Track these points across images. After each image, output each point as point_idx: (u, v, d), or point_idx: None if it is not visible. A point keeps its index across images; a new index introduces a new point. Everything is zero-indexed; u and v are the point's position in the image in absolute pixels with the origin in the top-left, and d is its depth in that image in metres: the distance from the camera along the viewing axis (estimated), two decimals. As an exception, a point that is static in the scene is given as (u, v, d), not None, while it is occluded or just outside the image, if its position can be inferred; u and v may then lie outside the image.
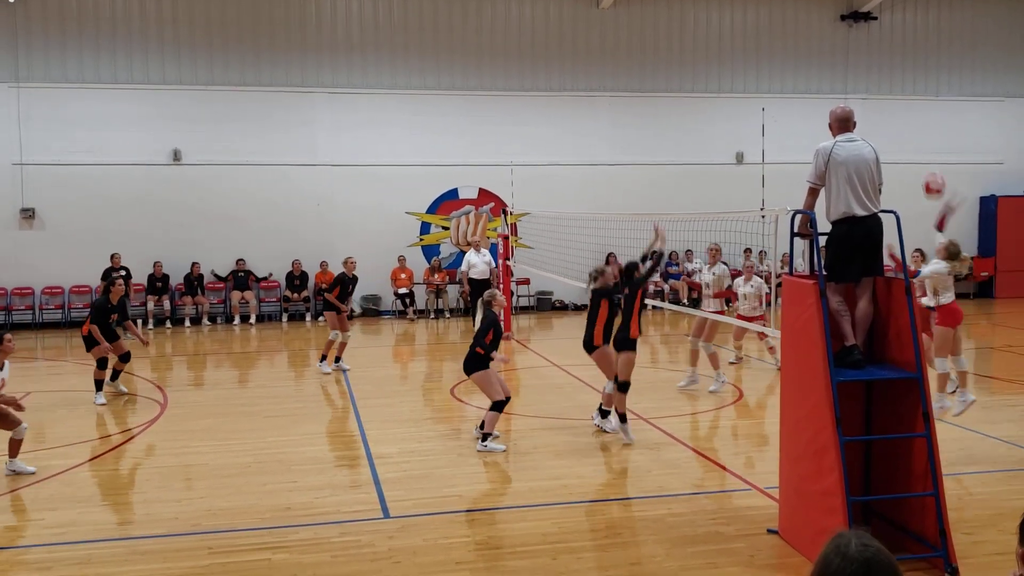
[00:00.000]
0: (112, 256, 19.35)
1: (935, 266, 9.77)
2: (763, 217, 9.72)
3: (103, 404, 12.25)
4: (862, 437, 6.95)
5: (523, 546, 6.87)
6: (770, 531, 7.06)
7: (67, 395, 12.85)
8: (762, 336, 14.36)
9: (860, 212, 6.68)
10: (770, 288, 9.18)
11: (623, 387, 9.84)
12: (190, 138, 20.71)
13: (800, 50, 23.72)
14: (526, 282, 22.33)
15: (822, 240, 6.83)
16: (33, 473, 8.86)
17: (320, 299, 21.00)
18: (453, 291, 22.14)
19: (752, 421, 10.91)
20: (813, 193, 6.92)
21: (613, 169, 22.71)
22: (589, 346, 10.24)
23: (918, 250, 10.74)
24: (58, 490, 8.45)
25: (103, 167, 20.29)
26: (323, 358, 14.51)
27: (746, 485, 8.37)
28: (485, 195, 22.38)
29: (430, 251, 22.27)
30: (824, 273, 6.64)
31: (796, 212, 7.04)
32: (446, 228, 22.38)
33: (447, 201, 22.28)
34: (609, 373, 10.05)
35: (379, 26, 21.60)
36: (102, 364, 12.47)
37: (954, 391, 10.13)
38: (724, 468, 8.94)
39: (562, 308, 22.72)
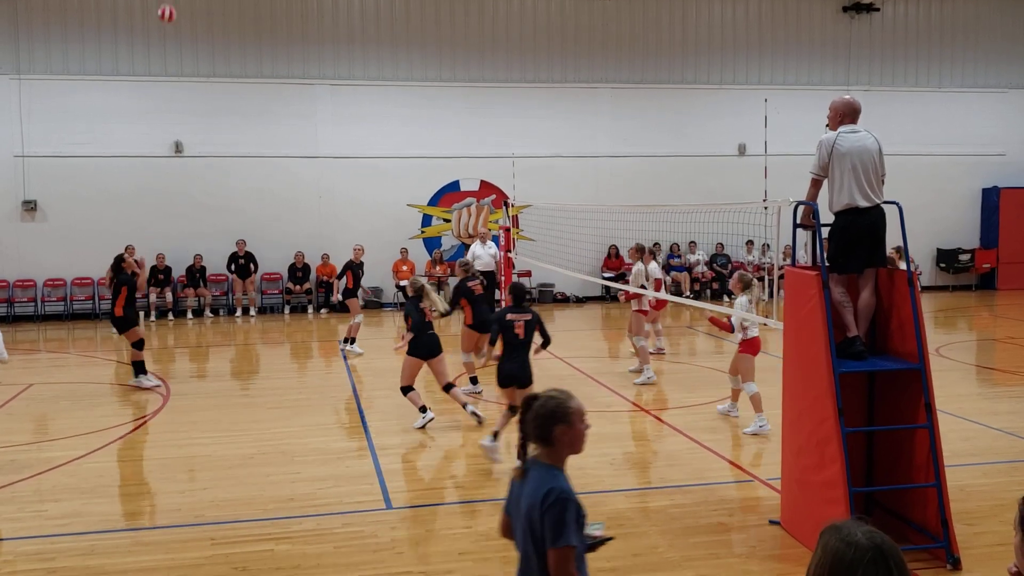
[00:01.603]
0: (127, 247, 19.24)
1: (740, 304, 10.04)
2: (766, 209, 9.71)
3: (158, 384, 12.49)
4: (864, 428, 6.95)
5: (525, 537, 6.87)
6: (772, 522, 7.07)
7: (70, 387, 12.86)
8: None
9: (863, 203, 6.66)
10: (773, 279, 9.16)
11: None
12: (192, 130, 20.68)
13: (803, 41, 23.67)
14: (528, 274, 22.31)
15: (825, 231, 6.82)
16: None
17: (322, 291, 21.04)
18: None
19: (753, 412, 10.89)
20: (816, 184, 6.90)
21: (615, 161, 22.69)
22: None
23: (896, 248, 10.74)
24: (61, 481, 8.47)
25: (105, 159, 20.27)
26: (350, 340, 15.45)
27: (748, 476, 8.39)
28: (487, 187, 22.37)
29: (432, 243, 22.26)
30: (827, 264, 6.63)
31: (799, 203, 7.03)
32: (448, 220, 22.37)
33: (448, 193, 22.26)
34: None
35: (380, 18, 21.56)
36: (140, 345, 12.46)
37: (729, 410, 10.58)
38: (726, 459, 8.95)
39: (564, 300, 22.72)
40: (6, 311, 19.89)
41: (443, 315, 10.81)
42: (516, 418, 8.08)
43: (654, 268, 13.43)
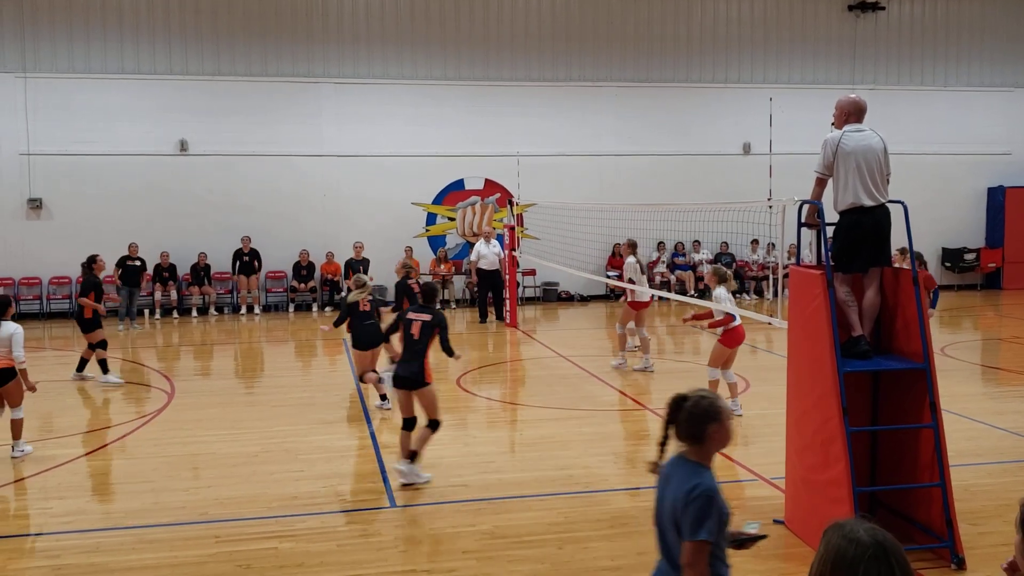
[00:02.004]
0: (129, 246, 19.31)
1: (719, 296, 10.38)
2: (770, 207, 9.70)
3: (120, 382, 12.71)
4: (869, 427, 6.94)
5: (529, 536, 6.89)
6: (776, 521, 7.06)
7: (75, 385, 12.88)
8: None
9: (868, 202, 6.65)
10: (777, 277, 9.18)
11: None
12: (197, 128, 20.72)
13: (808, 40, 23.63)
14: (532, 273, 22.32)
15: (829, 230, 6.81)
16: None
17: (327, 289, 21.06)
18: (459, 282, 22.14)
19: (757, 411, 10.90)
20: (821, 183, 6.89)
21: (619, 159, 22.67)
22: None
23: (900, 249, 10.74)
24: (66, 479, 8.49)
25: (110, 157, 20.30)
26: None
27: (752, 475, 8.38)
28: (491, 186, 22.36)
29: (436, 242, 22.26)
30: (831, 263, 6.62)
31: (804, 202, 7.03)
32: (452, 219, 22.37)
33: (453, 192, 22.26)
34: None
35: (385, 16, 21.56)
36: (103, 345, 12.89)
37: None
38: (730, 458, 8.94)
39: (568, 299, 22.72)
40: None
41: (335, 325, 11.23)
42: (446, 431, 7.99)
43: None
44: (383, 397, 11.17)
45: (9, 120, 19.88)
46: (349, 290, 11.42)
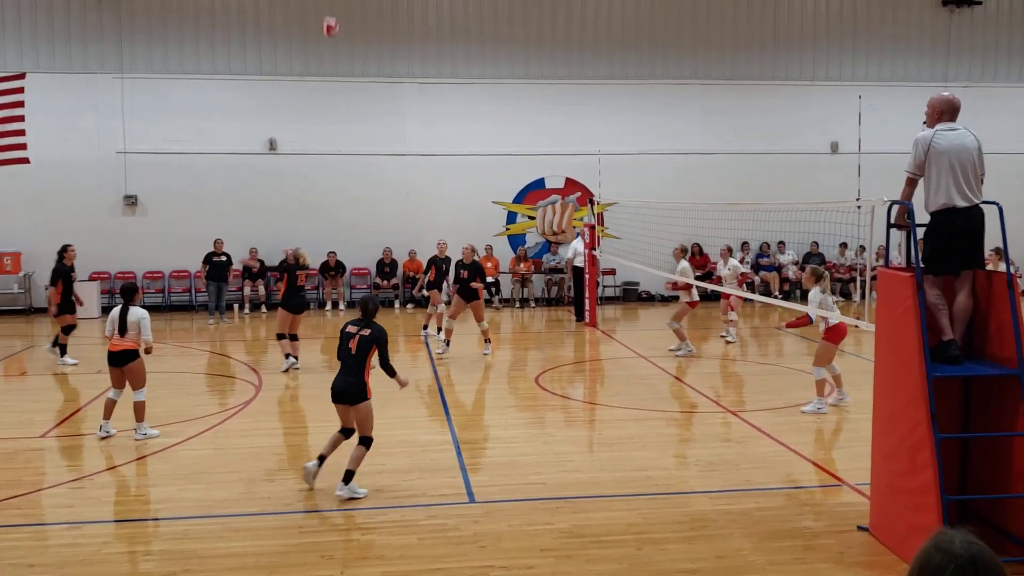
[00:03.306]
0: (215, 242, 19.88)
1: (813, 297, 10.68)
2: (859, 208, 9.49)
3: (75, 364, 13.89)
4: (958, 435, 6.75)
5: (607, 535, 6.88)
6: (860, 528, 6.92)
7: (167, 376, 13.27)
8: (727, 309, 16.46)
9: (961, 203, 6.47)
10: (865, 279, 8.99)
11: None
12: (286, 128, 21.18)
13: (899, 35, 23.01)
14: (612, 272, 22.23)
15: (920, 232, 6.64)
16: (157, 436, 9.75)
17: (409, 286, 21.30)
18: (539, 280, 22.18)
19: (843, 415, 10.68)
20: (911, 183, 6.72)
21: (703, 158, 22.40)
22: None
23: (995, 249, 10.41)
24: (157, 467, 8.78)
25: (202, 156, 20.90)
26: (437, 329, 16.14)
27: (836, 480, 8.22)
28: (572, 184, 22.33)
29: (516, 240, 22.33)
30: (922, 265, 6.46)
31: (893, 203, 6.86)
32: (532, 218, 22.42)
33: (533, 191, 22.30)
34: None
35: (468, 15, 21.71)
36: (68, 331, 14.10)
37: (830, 393, 11.13)
38: (813, 463, 8.78)
39: (648, 299, 22.56)
40: (108, 302, 20.64)
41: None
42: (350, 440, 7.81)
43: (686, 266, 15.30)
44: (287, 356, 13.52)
45: (107, 119, 20.61)
46: (291, 263, 13.78)
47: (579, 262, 19.20)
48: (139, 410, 9.67)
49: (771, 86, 22.67)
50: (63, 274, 14.03)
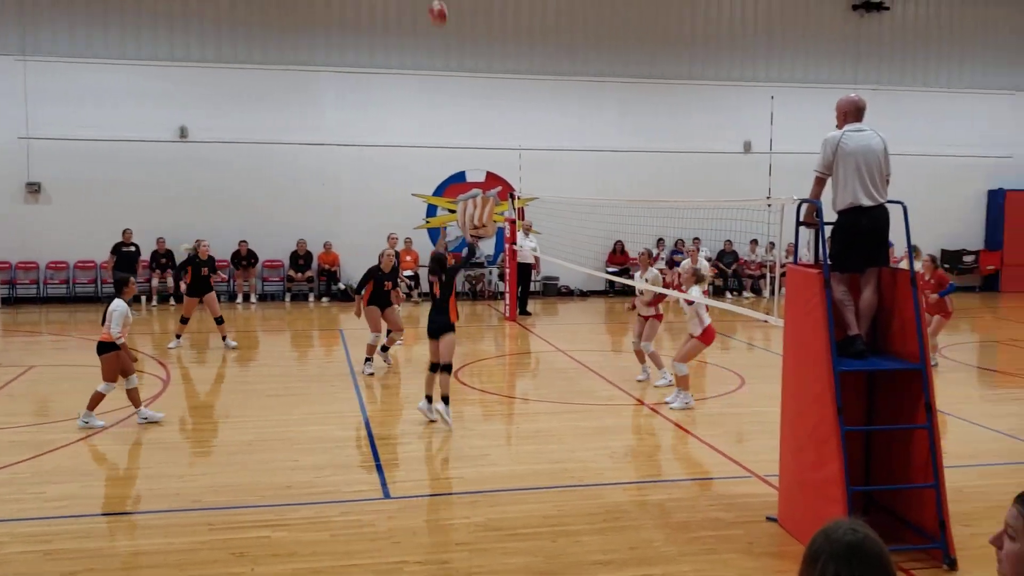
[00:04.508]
0: (124, 231, 19.32)
1: (696, 296, 10.52)
2: (769, 206, 9.70)
3: None
4: (863, 427, 6.95)
5: (523, 528, 6.89)
6: (769, 519, 7.07)
7: (71, 369, 12.88)
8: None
9: (867, 202, 6.65)
10: (775, 276, 9.19)
11: (449, 369, 9.95)
12: (197, 115, 20.67)
13: (810, 39, 23.60)
14: (535, 267, 22.30)
15: (828, 230, 6.81)
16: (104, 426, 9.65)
17: (324, 279, 21.02)
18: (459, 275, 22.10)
19: (753, 409, 10.91)
20: (820, 183, 6.89)
21: (621, 155, 22.62)
22: (448, 327, 9.99)
23: (930, 256, 10.81)
24: (60, 463, 8.48)
25: (109, 142, 20.25)
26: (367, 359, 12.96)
27: (746, 472, 8.39)
28: (493, 179, 22.34)
29: (436, 234, 22.23)
30: (829, 263, 6.62)
31: (802, 201, 7.02)
32: (452, 211, 22.35)
33: (454, 184, 22.23)
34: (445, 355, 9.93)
35: (388, 5, 21.51)
36: None
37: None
38: (724, 455, 8.95)
39: (568, 294, 22.72)
40: (8, 293, 19.91)
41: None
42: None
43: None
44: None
45: (8, 103, 19.82)
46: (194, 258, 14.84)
47: (520, 258, 19.08)
48: (94, 399, 9.68)
49: (687, 85, 23.01)
50: None
